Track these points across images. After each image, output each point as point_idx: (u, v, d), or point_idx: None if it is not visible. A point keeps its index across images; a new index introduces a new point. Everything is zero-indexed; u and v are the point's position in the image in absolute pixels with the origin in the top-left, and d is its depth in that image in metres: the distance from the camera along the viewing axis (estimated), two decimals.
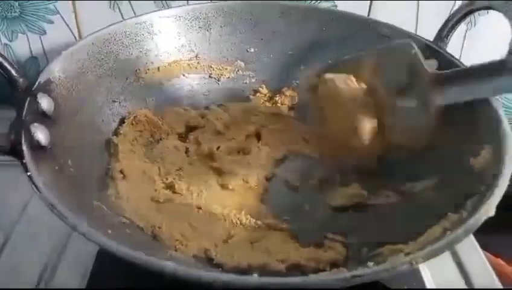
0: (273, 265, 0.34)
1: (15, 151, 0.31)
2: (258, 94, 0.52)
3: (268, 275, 0.31)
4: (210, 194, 0.41)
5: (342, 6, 0.55)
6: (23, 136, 0.32)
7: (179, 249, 0.35)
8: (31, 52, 0.59)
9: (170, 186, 0.41)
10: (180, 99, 0.51)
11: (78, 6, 0.55)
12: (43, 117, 0.35)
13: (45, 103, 0.36)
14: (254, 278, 0.26)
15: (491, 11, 0.40)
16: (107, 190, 0.39)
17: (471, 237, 0.44)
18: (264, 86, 0.53)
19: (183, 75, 0.51)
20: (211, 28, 0.51)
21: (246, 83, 0.53)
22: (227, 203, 0.40)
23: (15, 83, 0.36)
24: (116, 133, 0.44)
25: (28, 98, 0.35)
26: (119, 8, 0.55)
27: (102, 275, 0.39)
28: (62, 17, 0.56)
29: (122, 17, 0.56)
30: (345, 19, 0.50)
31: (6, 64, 0.35)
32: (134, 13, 0.56)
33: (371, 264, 0.27)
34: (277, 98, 0.52)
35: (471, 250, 0.44)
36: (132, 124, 0.45)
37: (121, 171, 0.41)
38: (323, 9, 0.54)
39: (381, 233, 0.37)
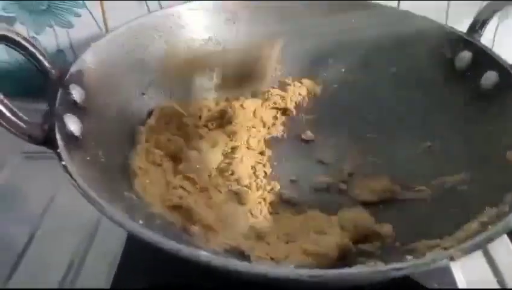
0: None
1: (49, 142, 0.32)
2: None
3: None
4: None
5: None
6: (56, 127, 0.32)
7: (210, 241, 0.34)
8: (57, 45, 0.59)
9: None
10: (206, 92, 0.50)
11: (105, 0, 0.55)
12: (75, 108, 0.35)
13: (77, 93, 0.36)
14: (290, 269, 0.25)
15: None
16: (133, 183, 0.38)
17: (505, 235, 0.43)
18: (291, 78, 0.52)
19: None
20: (237, 21, 0.51)
21: (272, 76, 0.52)
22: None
23: (47, 74, 0.36)
24: (143, 124, 0.44)
25: (60, 89, 0.35)
26: (146, 2, 0.56)
27: (129, 268, 0.39)
28: (89, 11, 0.56)
29: (149, 11, 0.56)
30: (375, 10, 0.50)
31: (39, 55, 0.35)
32: (161, 6, 0.56)
33: (409, 257, 0.26)
34: (290, 87, 0.51)
35: (504, 249, 0.42)
36: (159, 116, 0.45)
37: (139, 168, 0.40)
38: (351, 1, 0.53)
39: (413, 228, 0.36)
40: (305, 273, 0.23)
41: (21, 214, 0.45)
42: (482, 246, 0.27)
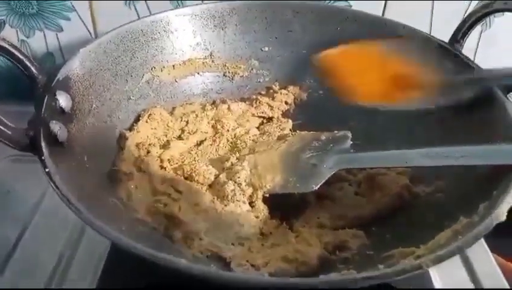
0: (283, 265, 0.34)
1: (33, 148, 0.32)
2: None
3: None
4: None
5: (356, 6, 0.55)
6: (41, 133, 0.32)
7: (192, 247, 0.35)
8: (47, 48, 0.60)
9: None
10: (194, 97, 0.51)
11: (95, 4, 0.56)
12: (61, 114, 0.36)
13: (63, 100, 0.36)
14: (265, 278, 0.26)
15: (507, 13, 0.40)
16: (119, 189, 0.39)
17: (482, 241, 0.44)
18: (277, 84, 0.53)
19: (198, 74, 0.51)
20: (226, 27, 0.51)
21: (259, 81, 0.53)
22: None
23: (34, 80, 0.36)
24: (130, 129, 0.45)
25: (47, 95, 0.35)
26: (134, 6, 0.56)
27: (115, 269, 0.40)
28: (78, 15, 0.57)
29: (138, 15, 0.57)
30: (360, 18, 0.50)
31: (26, 61, 0.35)
32: (150, 11, 0.56)
33: (381, 266, 0.27)
34: (277, 95, 0.52)
35: (480, 252, 0.44)
36: (147, 121, 0.46)
37: (125, 173, 0.40)
38: (337, 8, 0.54)
39: (392, 235, 0.37)
40: (278, 281, 0.24)
41: (9, 216, 0.46)
42: (453, 255, 0.27)
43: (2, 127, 0.32)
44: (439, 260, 0.27)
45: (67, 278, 0.40)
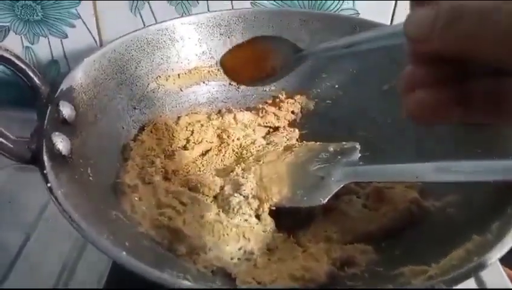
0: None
1: (36, 161, 0.32)
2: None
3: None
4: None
5: (364, 15, 0.55)
6: (44, 146, 0.32)
7: (197, 262, 0.34)
8: (52, 55, 0.59)
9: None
10: (199, 106, 0.50)
11: (100, 11, 0.56)
12: (65, 125, 0.35)
13: (67, 110, 0.36)
14: None
15: None
16: (122, 202, 0.38)
17: None
18: (283, 93, 0.52)
19: (203, 82, 0.51)
20: (232, 35, 0.51)
21: (265, 90, 0.52)
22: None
23: (37, 90, 0.36)
24: (134, 139, 0.44)
25: (50, 106, 0.35)
26: (140, 13, 0.56)
27: (119, 278, 0.40)
28: (83, 22, 0.56)
29: (143, 22, 0.56)
30: (368, 27, 0.49)
31: (29, 71, 0.35)
32: (155, 18, 0.56)
33: (390, 286, 0.26)
34: (284, 105, 0.51)
35: (494, 271, 0.42)
36: (151, 131, 0.45)
37: (129, 185, 0.39)
38: (344, 17, 0.53)
39: (402, 251, 0.36)
40: None
41: (12, 225, 0.46)
42: (468, 278, 0.26)
43: (3, 140, 0.31)
44: (454, 282, 0.26)
45: (70, 288, 0.40)
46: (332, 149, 0.43)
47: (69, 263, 0.42)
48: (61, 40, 0.58)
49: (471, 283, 0.41)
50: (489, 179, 0.34)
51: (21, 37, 0.58)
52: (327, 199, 0.38)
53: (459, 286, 0.38)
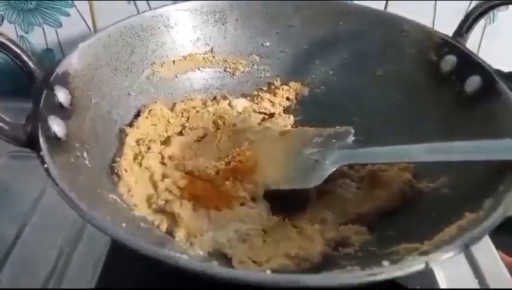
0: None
1: (32, 144, 0.32)
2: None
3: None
4: None
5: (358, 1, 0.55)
6: (40, 129, 0.32)
7: (193, 243, 0.35)
8: (46, 44, 0.59)
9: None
10: (195, 93, 0.51)
11: (94, 0, 0.55)
12: (60, 109, 0.35)
13: (62, 95, 0.36)
14: (267, 274, 0.26)
15: (511, 7, 0.39)
16: (119, 185, 0.38)
17: (486, 236, 0.44)
18: (278, 79, 0.52)
19: (198, 69, 0.51)
20: (226, 22, 0.51)
21: (260, 77, 0.53)
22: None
23: (32, 75, 0.36)
24: (130, 125, 0.44)
25: (45, 90, 0.35)
26: (134, 2, 0.56)
27: (115, 267, 0.40)
28: (78, 10, 0.56)
29: (138, 11, 0.56)
30: (362, 13, 0.50)
31: (24, 56, 0.35)
32: (149, 6, 0.56)
33: (386, 263, 0.27)
34: (279, 91, 0.51)
35: (485, 249, 0.43)
36: (147, 117, 0.45)
37: (125, 169, 0.40)
38: (339, 3, 0.53)
39: (396, 230, 0.36)
40: (281, 278, 0.24)
41: (8, 213, 0.46)
42: (459, 252, 0.27)
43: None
44: (444, 255, 0.26)
45: (66, 276, 0.40)
46: (326, 133, 0.44)
47: (65, 250, 0.42)
48: (55, 29, 0.58)
49: (467, 270, 0.42)
50: (480, 158, 0.35)
51: (15, 26, 0.57)
52: (322, 180, 0.39)
53: (460, 285, 0.39)
